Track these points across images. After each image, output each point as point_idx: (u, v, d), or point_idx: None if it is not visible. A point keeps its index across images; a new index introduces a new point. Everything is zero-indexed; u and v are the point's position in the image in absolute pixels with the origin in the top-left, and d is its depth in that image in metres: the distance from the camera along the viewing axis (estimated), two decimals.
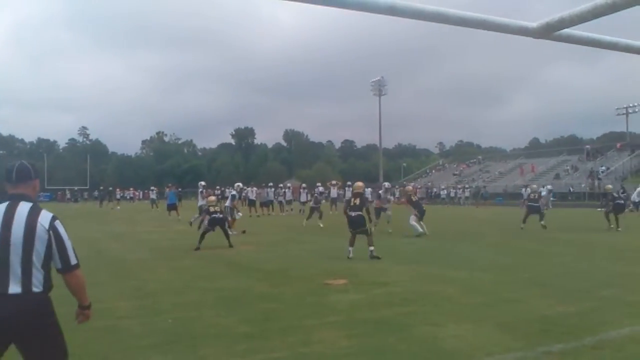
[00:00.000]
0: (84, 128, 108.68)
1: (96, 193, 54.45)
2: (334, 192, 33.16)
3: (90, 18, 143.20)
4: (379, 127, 78.25)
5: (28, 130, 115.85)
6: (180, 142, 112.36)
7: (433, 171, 75.42)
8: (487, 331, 5.56)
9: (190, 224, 19.64)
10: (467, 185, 52.04)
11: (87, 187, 71.36)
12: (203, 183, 24.86)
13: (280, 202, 30.84)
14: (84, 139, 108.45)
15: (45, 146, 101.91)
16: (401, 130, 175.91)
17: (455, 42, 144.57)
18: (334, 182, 36.71)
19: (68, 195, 56.58)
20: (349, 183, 39.55)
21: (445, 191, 52.96)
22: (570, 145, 73.57)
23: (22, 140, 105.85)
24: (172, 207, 25.59)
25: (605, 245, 13.85)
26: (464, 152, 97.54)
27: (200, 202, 21.99)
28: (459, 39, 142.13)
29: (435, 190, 56.89)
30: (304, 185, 35.84)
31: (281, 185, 33.93)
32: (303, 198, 32.82)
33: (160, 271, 9.70)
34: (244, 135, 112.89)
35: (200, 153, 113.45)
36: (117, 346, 5.12)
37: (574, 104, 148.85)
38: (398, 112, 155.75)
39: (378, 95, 76.31)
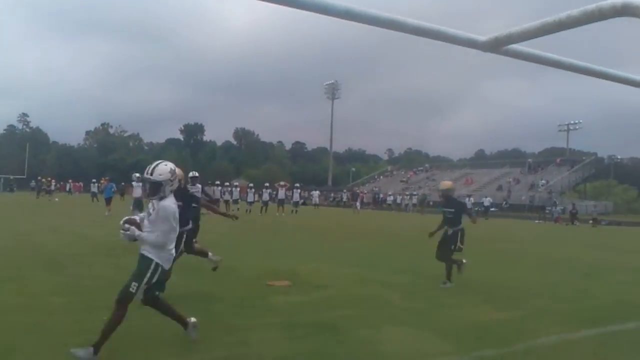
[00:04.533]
0: (25, 115, 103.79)
1: (33, 183, 52.00)
2: (281, 193, 33.11)
3: (37, 4, 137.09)
4: (330, 131, 79.04)
5: None
6: (126, 135, 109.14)
7: (381, 177, 76.48)
8: (425, 336, 5.68)
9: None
10: (414, 192, 53.06)
11: (25, 177, 68.19)
12: (138, 175, 21.99)
13: (226, 201, 30.45)
14: (24, 127, 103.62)
15: None
16: (352, 135, 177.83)
17: (407, 53, 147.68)
18: (282, 183, 36.73)
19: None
20: (297, 185, 39.72)
21: (392, 197, 53.83)
22: (513, 158, 76.31)
23: None
24: (108, 200, 24.98)
25: (538, 256, 14.43)
26: (412, 160, 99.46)
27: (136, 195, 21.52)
28: (411, 50, 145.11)
29: (382, 196, 57.73)
30: (251, 185, 35.72)
31: (227, 183, 33.54)
32: (250, 198, 32.69)
33: (98, 267, 9.37)
34: (193, 131, 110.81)
35: (146, 147, 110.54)
36: (45, 343, 4.89)
37: (518, 119, 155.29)
38: (350, 117, 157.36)
39: (331, 98, 76.95)
